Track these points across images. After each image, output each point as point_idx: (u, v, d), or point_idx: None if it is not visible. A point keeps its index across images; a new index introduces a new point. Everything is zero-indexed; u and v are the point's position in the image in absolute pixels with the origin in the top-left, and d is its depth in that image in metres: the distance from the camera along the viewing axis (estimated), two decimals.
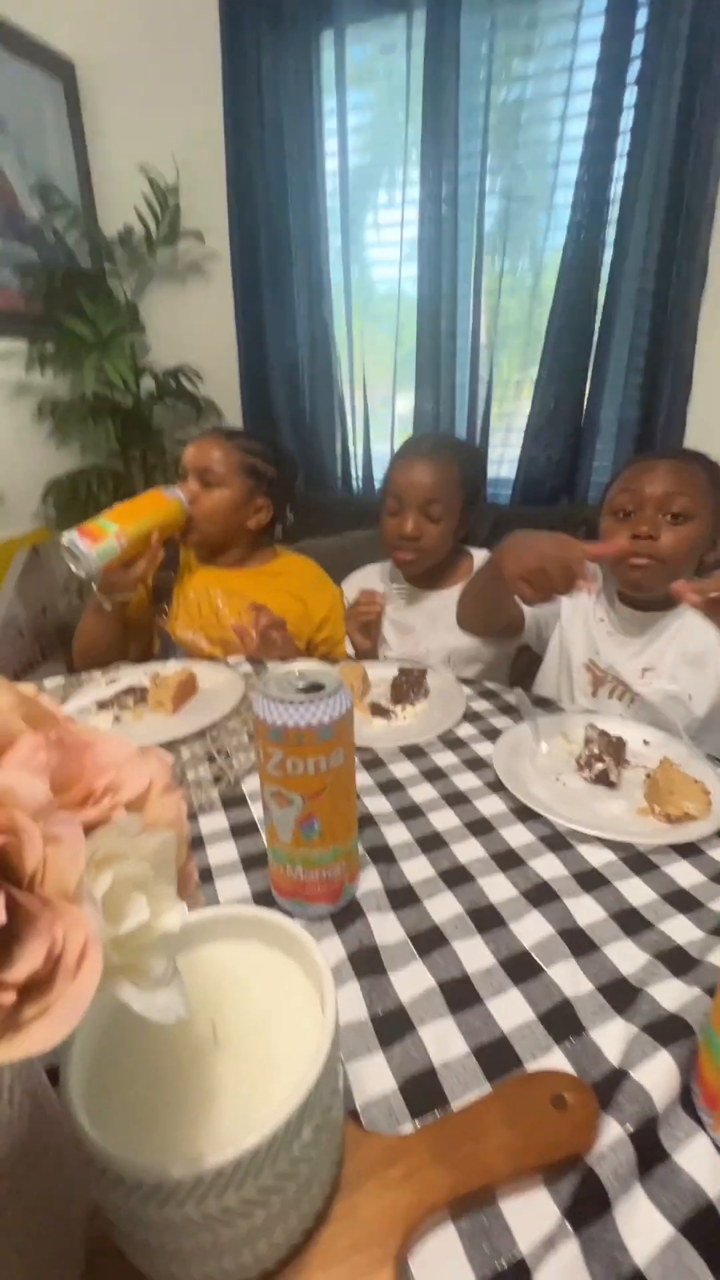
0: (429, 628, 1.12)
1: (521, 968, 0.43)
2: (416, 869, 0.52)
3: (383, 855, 0.53)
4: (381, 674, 0.85)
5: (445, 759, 0.68)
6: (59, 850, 0.16)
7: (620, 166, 1.36)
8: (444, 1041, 0.38)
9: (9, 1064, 0.17)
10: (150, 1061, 0.27)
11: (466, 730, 0.73)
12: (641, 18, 1.28)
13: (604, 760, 0.62)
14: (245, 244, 1.69)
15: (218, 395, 1.91)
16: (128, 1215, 0.23)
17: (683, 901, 0.48)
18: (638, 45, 1.29)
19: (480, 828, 0.57)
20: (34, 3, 1.63)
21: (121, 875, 0.18)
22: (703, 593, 0.59)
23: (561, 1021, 0.39)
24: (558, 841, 0.54)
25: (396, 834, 0.56)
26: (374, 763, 0.67)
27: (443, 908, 0.48)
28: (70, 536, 0.93)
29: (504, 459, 1.69)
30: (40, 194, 1.72)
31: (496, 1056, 0.37)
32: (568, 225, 1.42)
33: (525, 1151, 0.31)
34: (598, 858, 0.53)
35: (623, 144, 1.35)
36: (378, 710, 0.76)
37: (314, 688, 0.42)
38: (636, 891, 0.49)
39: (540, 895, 0.49)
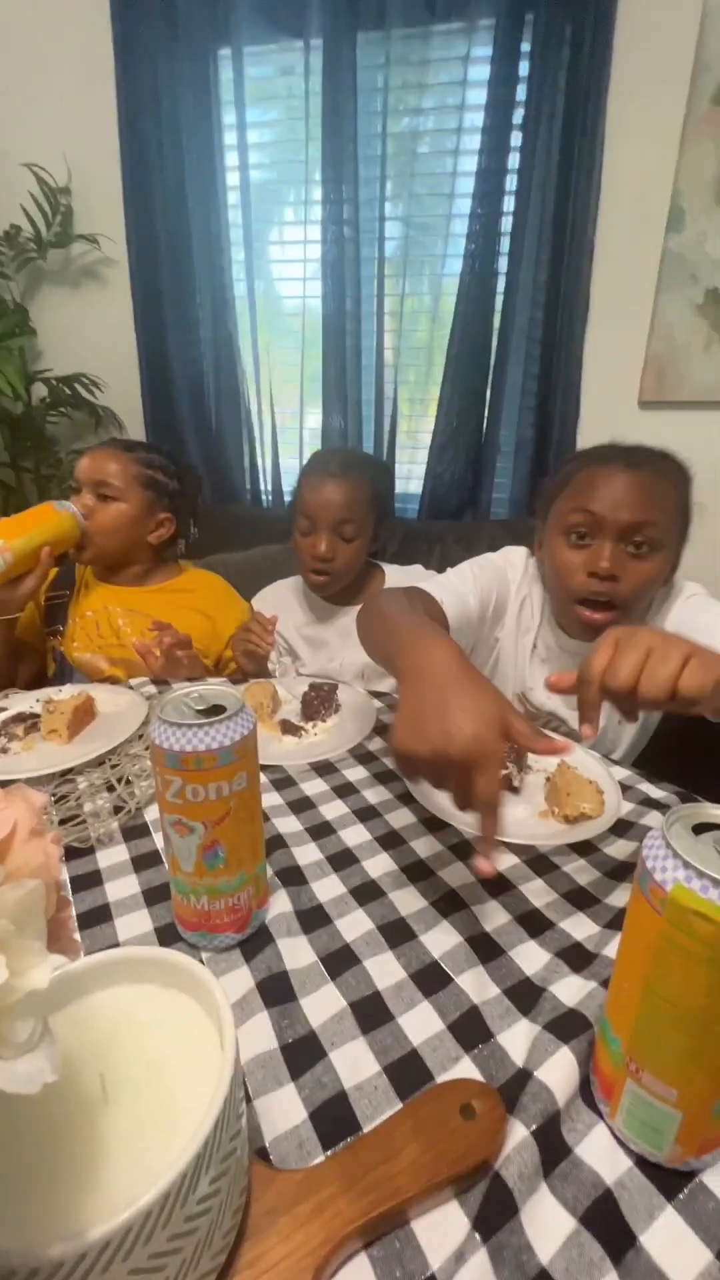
0: (342, 643, 1.13)
1: (431, 979, 0.43)
2: (327, 888, 0.51)
3: (293, 877, 0.52)
4: (292, 690, 0.84)
5: (356, 774, 0.68)
6: None
7: (510, 202, 1.45)
8: (355, 1063, 0.37)
9: None
10: (30, 1127, 0.25)
11: (377, 743, 0.73)
12: (524, 68, 1.37)
13: (507, 766, 0.64)
14: (144, 251, 1.65)
15: (119, 405, 1.84)
16: None
17: (581, 899, 0.51)
18: (521, 92, 1.38)
19: (391, 841, 0.57)
20: None
21: None
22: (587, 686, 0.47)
23: (470, 1029, 0.39)
24: (465, 850, 0.56)
25: (307, 854, 0.55)
26: (284, 781, 0.66)
27: (354, 926, 0.47)
28: None
29: (411, 474, 1.73)
30: None
31: (407, 1072, 0.37)
32: (464, 254, 1.49)
33: (436, 1165, 0.31)
34: (502, 862, 0.54)
35: (511, 182, 1.44)
36: (288, 728, 0.75)
37: (214, 710, 0.41)
38: (538, 892, 0.51)
39: (449, 904, 0.49)
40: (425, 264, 1.59)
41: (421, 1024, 0.40)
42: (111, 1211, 0.21)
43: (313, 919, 0.48)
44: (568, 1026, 0.38)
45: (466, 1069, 0.37)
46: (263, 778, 0.65)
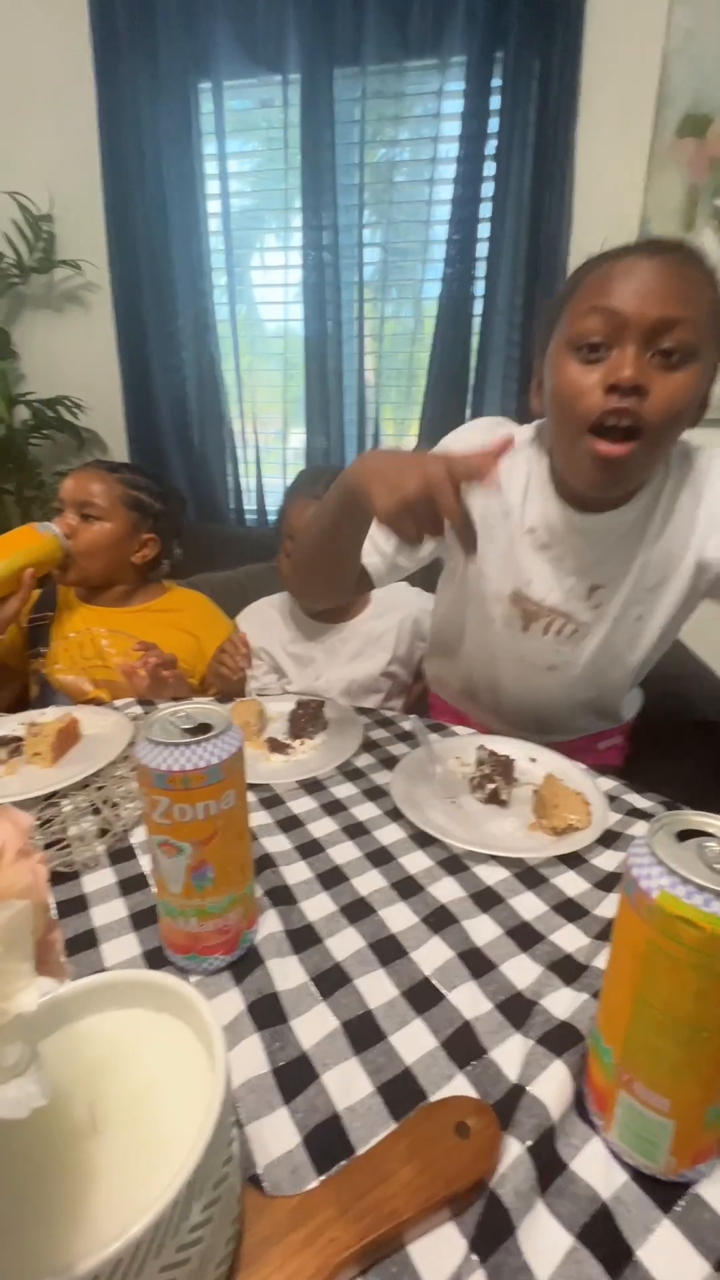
0: (328, 660, 1.13)
1: (423, 996, 0.43)
2: (317, 907, 0.51)
3: (282, 896, 0.51)
4: (279, 708, 0.84)
5: (344, 790, 0.67)
6: None
7: (485, 229, 1.49)
8: (348, 1085, 0.37)
9: None
10: (18, 1157, 0.24)
11: (365, 760, 0.73)
12: (495, 102, 1.42)
13: (495, 780, 0.65)
14: (126, 276, 1.67)
15: (102, 427, 1.85)
16: None
17: (570, 910, 0.51)
18: (493, 124, 1.43)
19: (380, 857, 0.57)
20: None
21: None
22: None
23: (463, 1046, 0.39)
24: (455, 864, 0.56)
25: (296, 873, 0.55)
26: (272, 800, 0.66)
27: (344, 944, 0.47)
28: None
29: None
30: None
31: (401, 1092, 0.37)
32: (442, 277, 1.53)
33: (431, 1186, 0.31)
34: (492, 876, 0.54)
35: (486, 209, 1.48)
36: (275, 746, 0.75)
37: (201, 728, 0.41)
38: (528, 905, 0.51)
39: (439, 920, 0.49)
40: (405, 287, 1.63)
41: (414, 1042, 0.39)
42: (101, 1243, 0.20)
43: (303, 938, 0.47)
44: (560, 1040, 0.38)
45: (460, 1086, 0.37)
46: (251, 796, 0.65)
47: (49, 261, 1.70)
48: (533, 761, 0.72)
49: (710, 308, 0.58)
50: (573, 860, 0.56)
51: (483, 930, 0.48)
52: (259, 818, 0.63)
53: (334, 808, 0.64)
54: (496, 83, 1.41)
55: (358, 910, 0.50)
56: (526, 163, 1.43)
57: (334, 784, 0.69)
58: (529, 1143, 0.33)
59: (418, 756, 0.71)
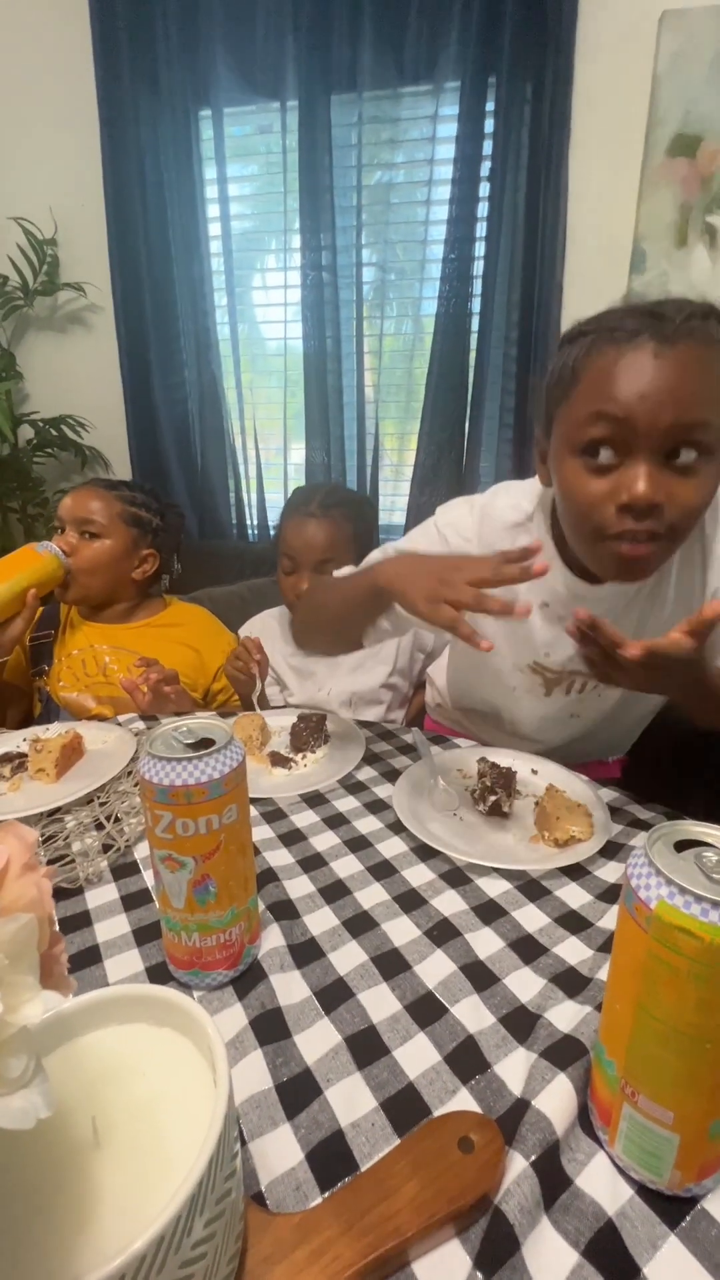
0: (329, 672, 1.13)
1: (426, 1010, 0.43)
2: (320, 921, 0.51)
3: (285, 911, 0.52)
4: (280, 722, 0.84)
5: (346, 804, 0.68)
6: None
7: (481, 248, 1.51)
8: (351, 1100, 0.37)
9: None
10: (20, 1173, 0.24)
11: (367, 773, 0.74)
12: (489, 125, 1.45)
13: (496, 792, 0.65)
14: (129, 297, 1.70)
15: (105, 445, 1.87)
16: None
17: (573, 922, 0.51)
18: (487, 147, 1.46)
19: (382, 871, 0.57)
20: None
21: None
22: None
23: (467, 1060, 0.39)
24: (457, 877, 0.56)
25: (299, 887, 0.55)
26: (275, 814, 0.66)
27: (347, 958, 0.47)
28: None
29: (395, 506, 1.77)
30: None
31: (405, 1107, 0.36)
32: (439, 295, 1.55)
33: (435, 1202, 0.30)
34: (494, 889, 0.54)
35: (481, 229, 1.51)
36: (277, 759, 0.75)
37: (203, 743, 0.41)
38: (531, 918, 0.51)
39: (442, 933, 0.49)
40: (402, 305, 1.66)
41: (418, 1057, 0.39)
42: (104, 1259, 0.20)
43: (306, 953, 0.47)
44: (564, 1053, 0.38)
45: (464, 1101, 0.37)
46: (253, 811, 0.65)
47: (53, 284, 1.73)
48: (534, 773, 0.72)
49: None
50: (575, 872, 0.56)
51: (486, 943, 0.48)
52: (261, 832, 0.63)
53: (336, 821, 0.65)
54: (490, 106, 1.44)
55: (360, 924, 0.50)
56: (520, 183, 1.45)
57: (336, 797, 0.69)
58: (533, 1158, 0.32)
59: (419, 769, 0.71)
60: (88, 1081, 0.27)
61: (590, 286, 1.48)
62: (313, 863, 0.58)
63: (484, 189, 1.48)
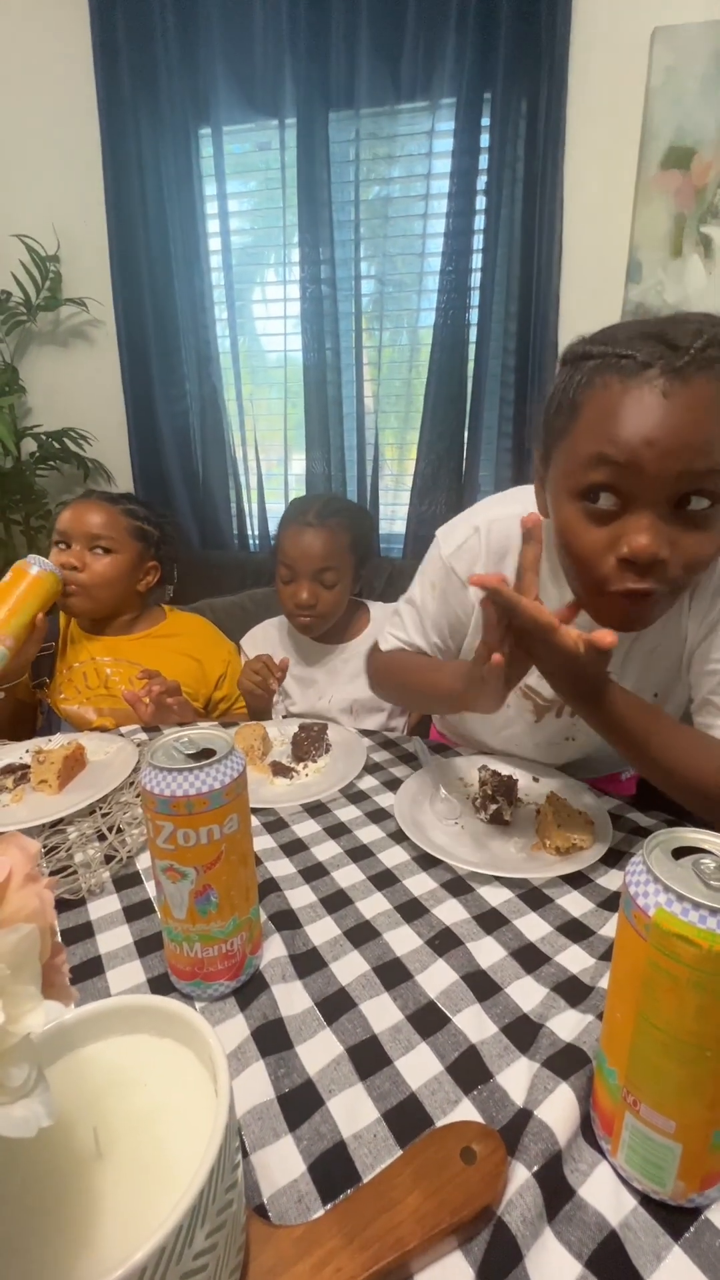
0: (330, 681, 1.14)
1: (429, 1020, 0.43)
2: (322, 931, 0.51)
3: (287, 920, 0.52)
4: (282, 731, 0.85)
5: (348, 813, 0.68)
6: None
7: (478, 260, 1.53)
8: (354, 1111, 0.37)
9: None
10: (22, 1183, 0.24)
11: (368, 782, 0.74)
12: (485, 140, 1.47)
13: (497, 800, 0.65)
14: (130, 312, 1.72)
15: (107, 458, 1.89)
16: None
17: (575, 931, 0.51)
18: (483, 161, 1.48)
19: (384, 880, 0.57)
20: None
21: None
22: None
23: (469, 1070, 0.39)
24: (459, 886, 0.56)
25: (300, 896, 0.55)
26: (276, 824, 0.66)
27: (349, 968, 0.47)
28: None
29: (395, 515, 1.77)
30: None
31: (407, 1118, 0.36)
32: (437, 307, 1.56)
33: (438, 1213, 0.30)
34: (496, 897, 0.54)
35: (478, 241, 1.52)
36: (279, 769, 0.75)
37: (204, 753, 0.41)
38: (533, 926, 0.51)
39: (444, 942, 0.49)
40: (401, 317, 1.67)
41: (420, 1067, 0.39)
42: (105, 1269, 0.20)
43: (308, 963, 0.47)
44: (566, 1062, 0.38)
45: (466, 1111, 0.37)
46: (254, 820, 0.65)
47: (56, 300, 1.76)
48: (536, 781, 0.72)
49: None
50: (577, 880, 0.56)
51: (487, 952, 0.48)
52: (263, 841, 0.63)
53: (338, 830, 0.65)
54: (485, 122, 1.45)
55: (362, 934, 0.50)
56: (516, 197, 1.47)
57: (337, 807, 0.69)
58: (536, 1168, 0.32)
59: (420, 778, 0.71)
60: (89, 1092, 0.28)
61: (586, 297, 1.50)
62: (314, 872, 0.58)
63: (480, 202, 1.50)
